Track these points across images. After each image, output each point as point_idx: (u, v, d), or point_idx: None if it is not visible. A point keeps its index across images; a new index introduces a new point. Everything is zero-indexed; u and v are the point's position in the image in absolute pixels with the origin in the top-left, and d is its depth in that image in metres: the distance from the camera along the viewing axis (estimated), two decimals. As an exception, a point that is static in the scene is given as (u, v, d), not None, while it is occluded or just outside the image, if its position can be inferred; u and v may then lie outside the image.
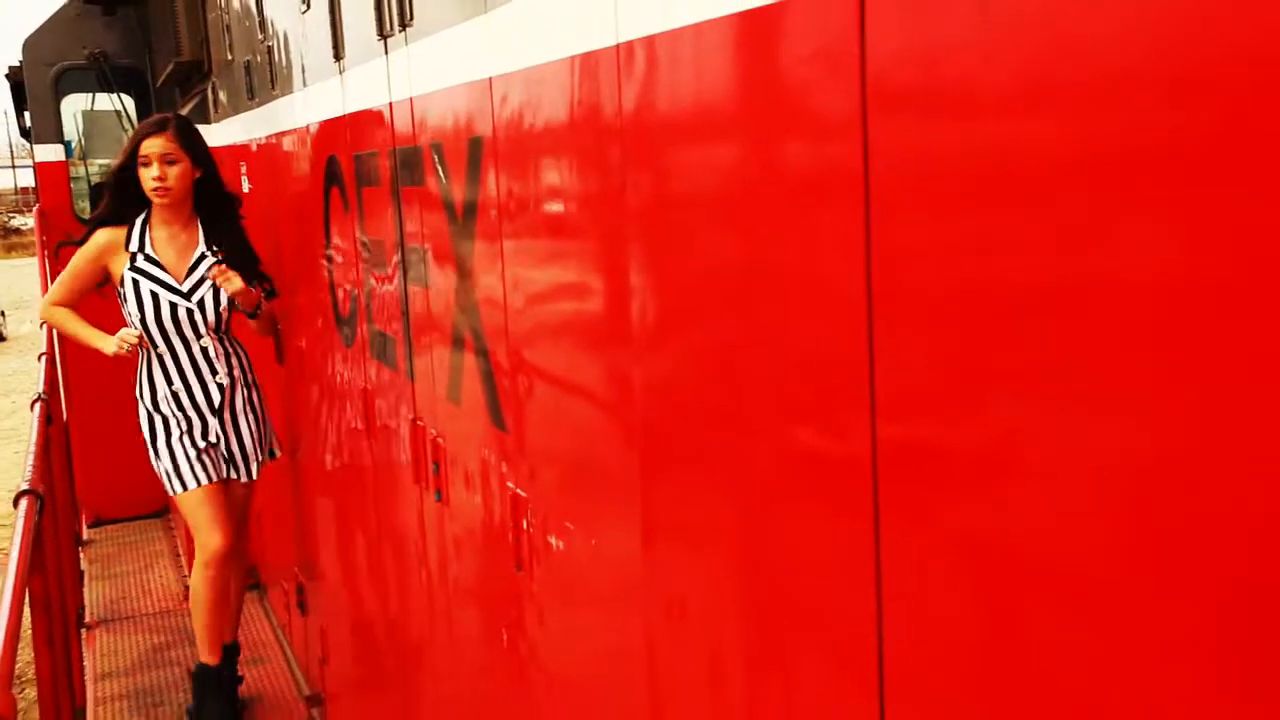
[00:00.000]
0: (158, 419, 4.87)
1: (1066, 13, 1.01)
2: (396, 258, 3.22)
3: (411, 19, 2.83)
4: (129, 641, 6.41)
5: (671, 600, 1.84)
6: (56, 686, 3.71)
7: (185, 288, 4.79)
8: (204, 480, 4.87)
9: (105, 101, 8.27)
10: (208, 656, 5.04)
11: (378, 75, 3.18)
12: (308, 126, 4.19)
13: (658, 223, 1.77)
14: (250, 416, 5.02)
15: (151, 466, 4.96)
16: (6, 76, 8.68)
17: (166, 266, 4.77)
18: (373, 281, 3.55)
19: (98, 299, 4.95)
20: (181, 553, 7.35)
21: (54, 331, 7.07)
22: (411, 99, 2.92)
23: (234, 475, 5.02)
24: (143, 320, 4.76)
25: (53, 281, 5.15)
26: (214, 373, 4.87)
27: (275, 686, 5.66)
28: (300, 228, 4.55)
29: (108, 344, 4.71)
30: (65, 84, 8.21)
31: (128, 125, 7.96)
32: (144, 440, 4.93)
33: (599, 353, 2.03)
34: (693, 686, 1.80)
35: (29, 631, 3.71)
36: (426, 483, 3.14)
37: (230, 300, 4.83)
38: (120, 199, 4.79)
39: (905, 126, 1.22)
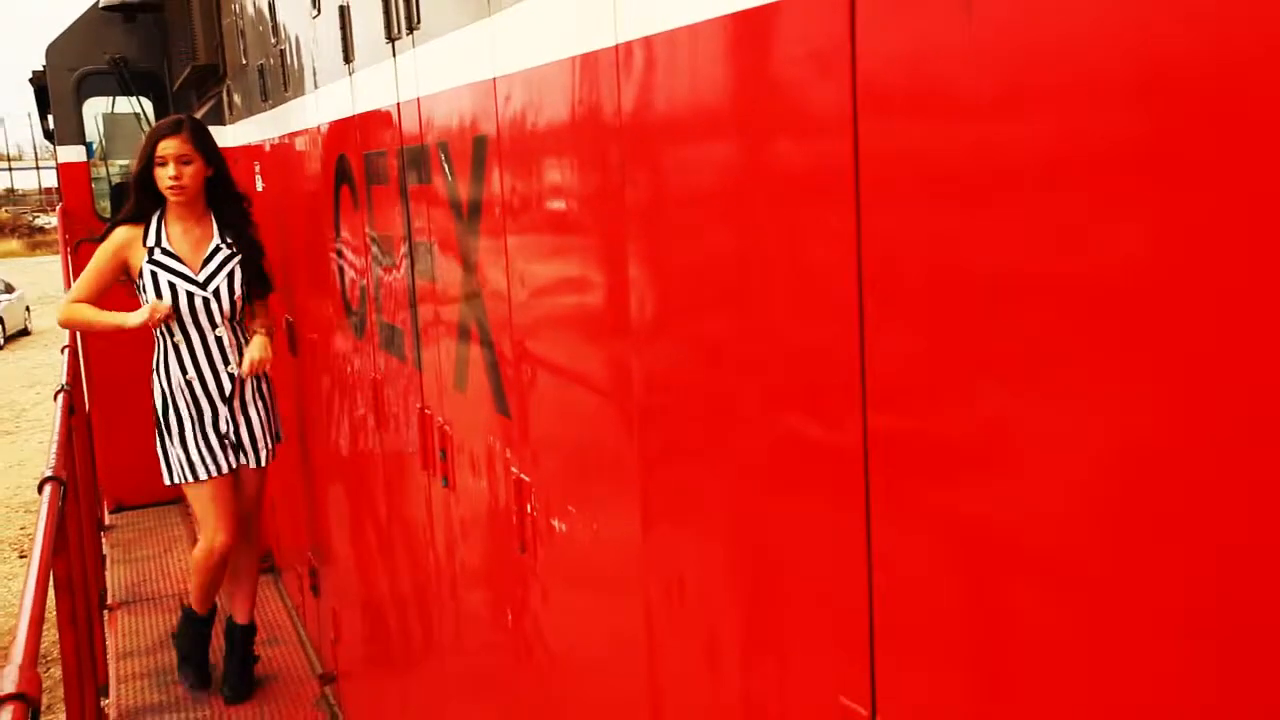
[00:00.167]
0: (171, 408, 4.91)
1: (1050, 15, 1.00)
2: (404, 252, 3.22)
3: (418, 22, 2.82)
4: (149, 622, 6.41)
5: (670, 581, 1.83)
6: (80, 665, 3.70)
7: (201, 278, 4.85)
8: (214, 473, 4.94)
9: (125, 104, 8.25)
10: (199, 607, 5.32)
11: (386, 77, 3.17)
12: (319, 127, 4.18)
13: (656, 218, 1.76)
14: (259, 405, 5.05)
15: (156, 451, 4.99)
16: (31, 81, 8.66)
17: (183, 259, 4.83)
18: (381, 275, 3.54)
19: (115, 298, 4.97)
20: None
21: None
22: (419, 99, 2.91)
23: (243, 462, 5.05)
24: None
25: (70, 282, 5.14)
26: (226, 363, 4.92)
27: (290, 666, 5.66)
28: (312, 224, 4.55)
29: (133, 319, 4.74)
30: (87, 88, 8.19)
31: (146, 127, 7.94)
32: (156, 425, 4.98)
33: (600, 344, 2.03)
34: (690, 664, 1.80)
35: (54, 613, 3.70)
36: (434, 469, 3.13)
37: (244, 290, 4.91)
38: (138, 200, 4.86)
39: (895, 125, 1.22)
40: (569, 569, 2.29)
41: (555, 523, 2.29)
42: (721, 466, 1.64)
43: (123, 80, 8.03)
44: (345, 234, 4.02)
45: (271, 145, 5.25)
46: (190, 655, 5.45)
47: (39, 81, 8.42)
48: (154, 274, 4.78)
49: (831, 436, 1.37)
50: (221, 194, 4.93)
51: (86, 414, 7.06)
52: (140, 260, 4.81)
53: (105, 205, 8.29)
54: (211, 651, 5.46)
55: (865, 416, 1.29)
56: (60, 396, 5.21)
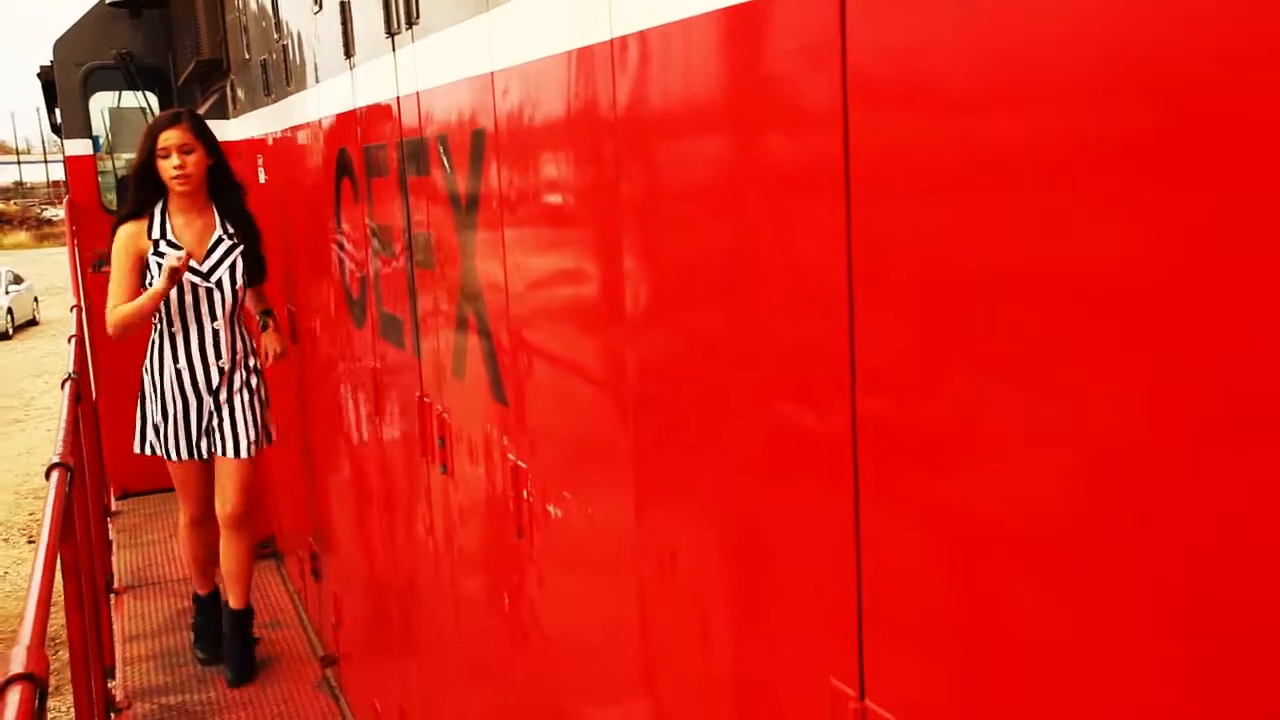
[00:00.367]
0: (157, 393, 4.95)
1: (1039, 10, 1.00)
2: (404, 244, 3.21)
3: (418, 17, 2.80)
4: (154, 606, 6.41)
5: (663, 566, 1.83)
6: (87, 647, 3.70)
7: (205, 268, 4.85)
8: (187, 456, 5.03)
9: (131, 99, 8.23)
10: (199, 588, 5.49)
11: (386, 71, 3.16)
12: (320, 120, 4.17)
13: (650, 211, 1.75)
14: (244, 397, 5.03)
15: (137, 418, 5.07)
16: (39, 75, 8.63)
17: (186, 249, 4.79)
18: (381, 266, 3.53)
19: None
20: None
21: (84, 317, 7.05)
22: (418, 93, 2.90)
23: (223, 452, 5.04)
24: (165, 300, 4.77)
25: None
26: (218, 357, 4.93)
27: (292, 648, 5.66)
28: (314, 216, 4.54)
29: (159, 284, 4.66)
30: (93, 82, 8.16)
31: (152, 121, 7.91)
32: (139, 402, 5.03)
33: (595, 334, 2.02)
34: (683, 647, 1.79)
35: (63, 597, 3.70)
36: (432, 456, 3.13)
37: (245, 281, 4.93)
38: (142, 193, 4.83)
39: (884, 120, 1.21)
40: (564, 554, 2.29)
41: (551, 508, 2.28)
42: (714, 454, 1.63)
43: (129, 75, 8.00)
44: (346, 225, 4.01)
45: (274, 139, 5.23)
46: (201, 632, 5.53)
47: (47, 76, 8.39)
48: (159, 265, 4.77)
49: (821, 425, 1.36)
50: (222, 184, 4.93)
51: (93, 402, 7.04)
52: (146, 252, 4.81)
53: (111, 198, 8.26)
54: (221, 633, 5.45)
55: (854, 406, 1.29)
56: (67, 385, 5.20)
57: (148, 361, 4.96)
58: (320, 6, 3.88)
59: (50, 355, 20.98)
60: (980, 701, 1.16)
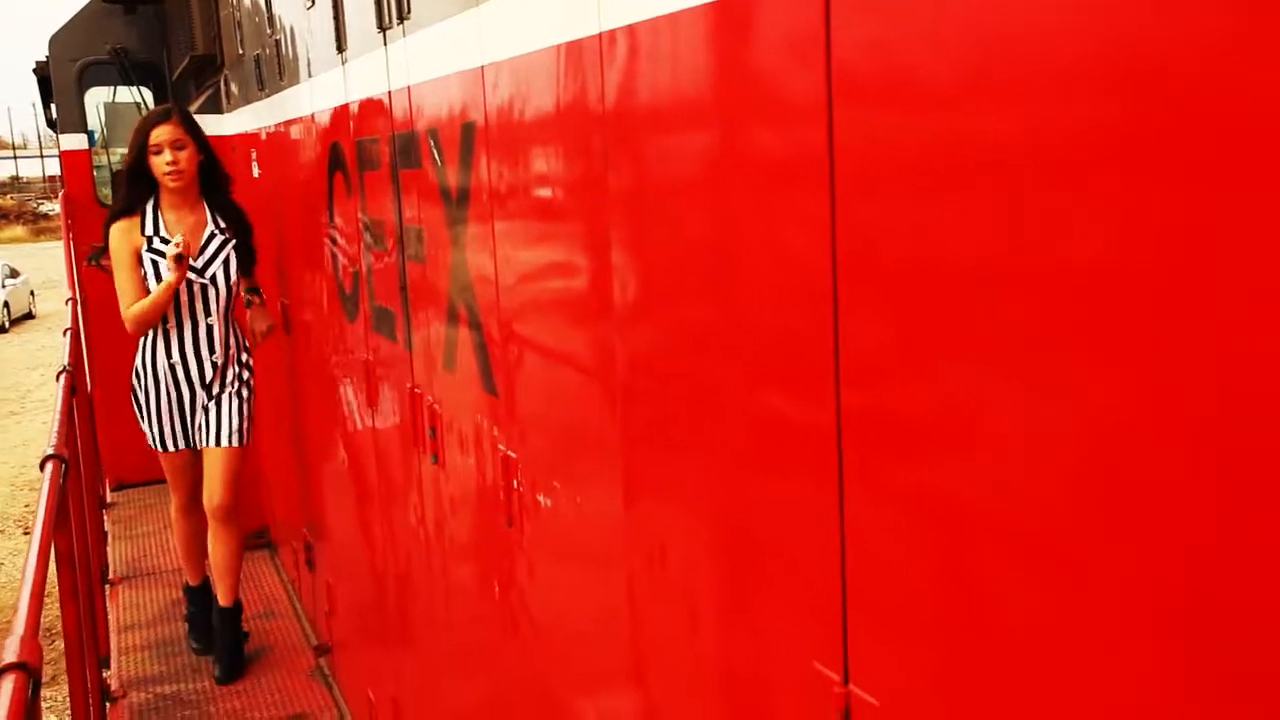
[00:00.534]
0: (150, 386, 4.94)
1: (1020, 8, 0.99)
2: (395, 237, 3.20)
3: (409, 12, 2.79)
4: (149, 596, 6.39)
5: (651, 554, 1.83)
6: (82, 637, 3.68)
7: (199, 264, 4.81)
8: (182, 446, 5.06)
9: (126, 94, 8.19)
10: (191, 578, 5.50)
11: (377, 66, 3.14)
12: (313, 115, 4.15)
13: (638, 204, 1.75)
14: (236, 389, 5.02)
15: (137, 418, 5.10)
16: (34, 71, 8.59)
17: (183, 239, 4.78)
18: (373, 260, 3.52)
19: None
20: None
21: (79, 310, 7.02)
22: (409, 88, 2.89)
23: (209, 442, 5.02)
24: None
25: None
26: (212, 351, 4.92)
27: (286, 638, 5.65)
28: (307, 209, 4.52)
29: (169, 277, 4.69)
30: (88, 78, 8.12)
31: (147, 116, 7.87)
32: (132, 397, 5.02)
33: (584, 325, 2.02)
34: (671, 633, 1.79)
35: (57, 588, 3.68)
36: (423, 447, 3.12)
37: (239, 276, 4.91)
38: (133, 191, 4.81)
39: (868, 114, 1.21)
40: (554, 543, 2.28)
41: (541, 498, 2.28)
42: (701, 444, 1.63)
43: (123, 70, 7.96)
44: (339, 219, 3.99)
45: (268, 133, 5.21)
46: (194, 621, 5.53)
47: (42, 71, 8.34)
48: (154, 262, 4.75)
49: (806, 416, 1.36)
50: (212, 178, 4.90)
51: (89, 395, 7.01)
52: (141, 247, 4.78)
53: (107, 192, 8.22)
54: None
55: (839, 397, 1.29)
56: (62, 377, 5.17)
57: (140, 356, 4.93)
58: (313, 2, 3.86)
59: (46, 348, 20.89)
60: (961, 685, 1.16)
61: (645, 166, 1.71)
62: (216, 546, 5.18)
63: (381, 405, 3.66)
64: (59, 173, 8.83)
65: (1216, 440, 0.86)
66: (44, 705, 6.68)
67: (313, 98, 4.11)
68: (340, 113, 3.72)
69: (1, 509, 11.58)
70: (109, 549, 7.05)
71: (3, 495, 12.02)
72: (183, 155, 4.73)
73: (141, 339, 4.92)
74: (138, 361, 4.95)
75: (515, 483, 2.40)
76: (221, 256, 4.85)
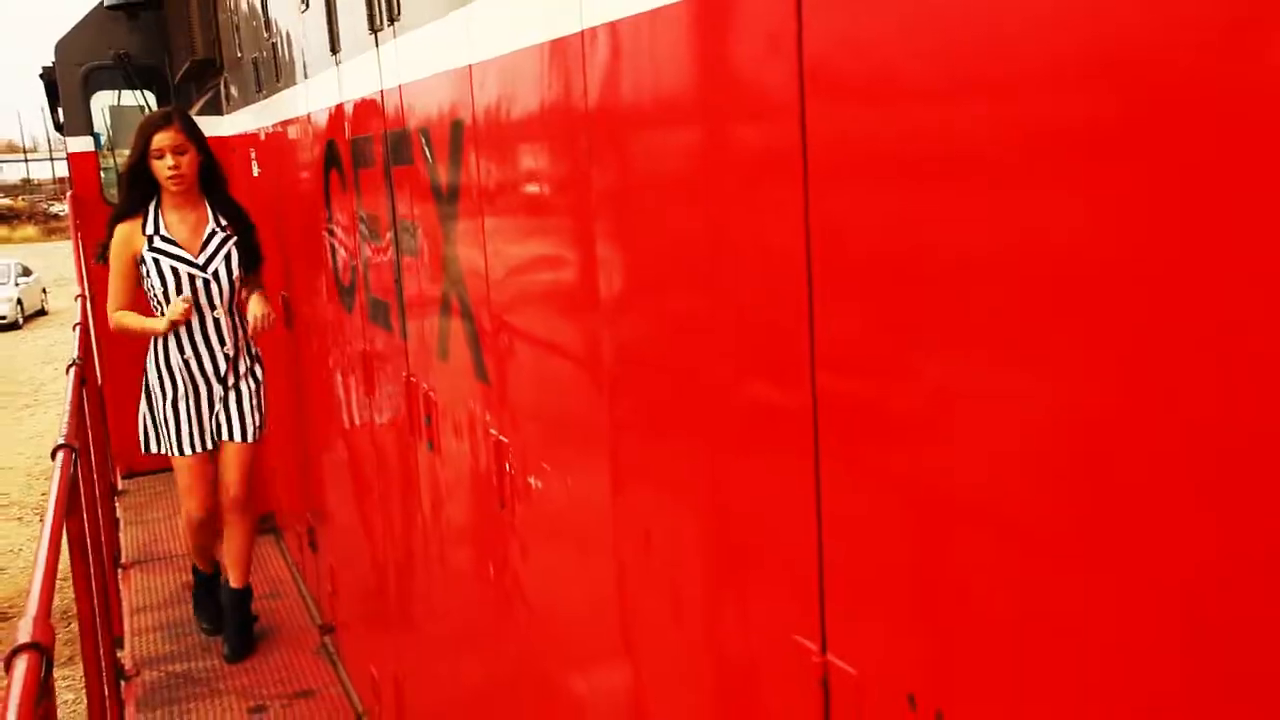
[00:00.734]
0: (167, 386, 4.85)
1: (989, 3, 0.98)
2: (390, 232, 3.18)
3: (399, 13, 2.77)
4: (160, 580, 6.38)
5: (638, 533, 1.82)
6: (96, 619, 3.67)
7: (201, 261, 4.78)
8: (198, 449, 4.92)
9: (130, 98, 8.14)
10: (200, 566, 5.40)
11: (370, 66, 3.12)
12: (309, 115, 4.13)
13: (620, 199, 1.74)
14: (249, 384, 4.97)
15: (139, 416, 4.96)
16: (41, 76, 8.53)
17: (181, 244, 4.76)
18: (369, 254, 3.50)
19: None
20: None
21: (88, 306, 6.99)
22: (400, 87, 2.87)
23: (230, 438, 4.97)
24: (164, 294, 4.75)
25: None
26: (222, 343, 4.86)
27: (292, 618, 5.64)
28: (305, 206, 4.50)
29: (160, 324, 4.70)
30: (93, 82, 8.08)
31: (150, 118, 7.82)
32: (144, 397, 4.92)
33: (571, 316, 2.01)
34: (657, 609, 1.79)
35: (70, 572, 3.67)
36: (419, 433, 3.11)
37: (241, 270, 4.86)
38: (135, 193, 4.76)
39: (840, 109, 1.20)
40: (545, 524, 2.27)
41: (532, 480, 2.27)
42: (683, 427, 1.63)
43: (127, 74, 7.92)
44: (335, 215, 3.97)
45: (266, 133, 5.18)
46: (202, 605, 5.48)
47: (49, 77, 8.30)
48: (155, 260, 4.72)
49: (784, 401, 1.36)
50: (212, 178, 4.85)
51: (99, 386, 6.98)
52: (142, 249, 4.74)
53: (113, 193, 8.17)
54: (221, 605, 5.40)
55: (814, 382, 1.28)
56: (72, 370, 5.15)
57: (151, 356, 4.86)
58: (307, 5, 3.83)
59: (59, 344, 20.80)
60: (934, 653, 1.15)
61: (627, 161, 1.70)
62: (232, 535, 5.15)
63: (379, 394, 3.65)
64: (67, 174, 8.78)
65: (1187, 423, 0.85)
66: (63, 684, 6.68)
67: (308, 98, 4.09)
68: (335, 112, 3.69)
69: (19, 497, 11.54)
70: (121, 534, 7.03)
71: (20, 484, 11.99)
72: (184, 160, 4.69)
73: (150, 340, 4.86)
74: (150, 361, 4.87)
75: (507, 466, 2.39)
76: (222, 253, 4.81)
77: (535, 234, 2.14)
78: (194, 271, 4.76)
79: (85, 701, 3.81)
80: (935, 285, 1.08)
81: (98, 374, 7.08)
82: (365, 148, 3.34)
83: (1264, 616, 0.80)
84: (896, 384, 1.16)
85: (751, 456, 1.45)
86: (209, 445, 4.94)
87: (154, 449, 4.98)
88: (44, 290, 28.10)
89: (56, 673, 2.35)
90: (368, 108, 3.24)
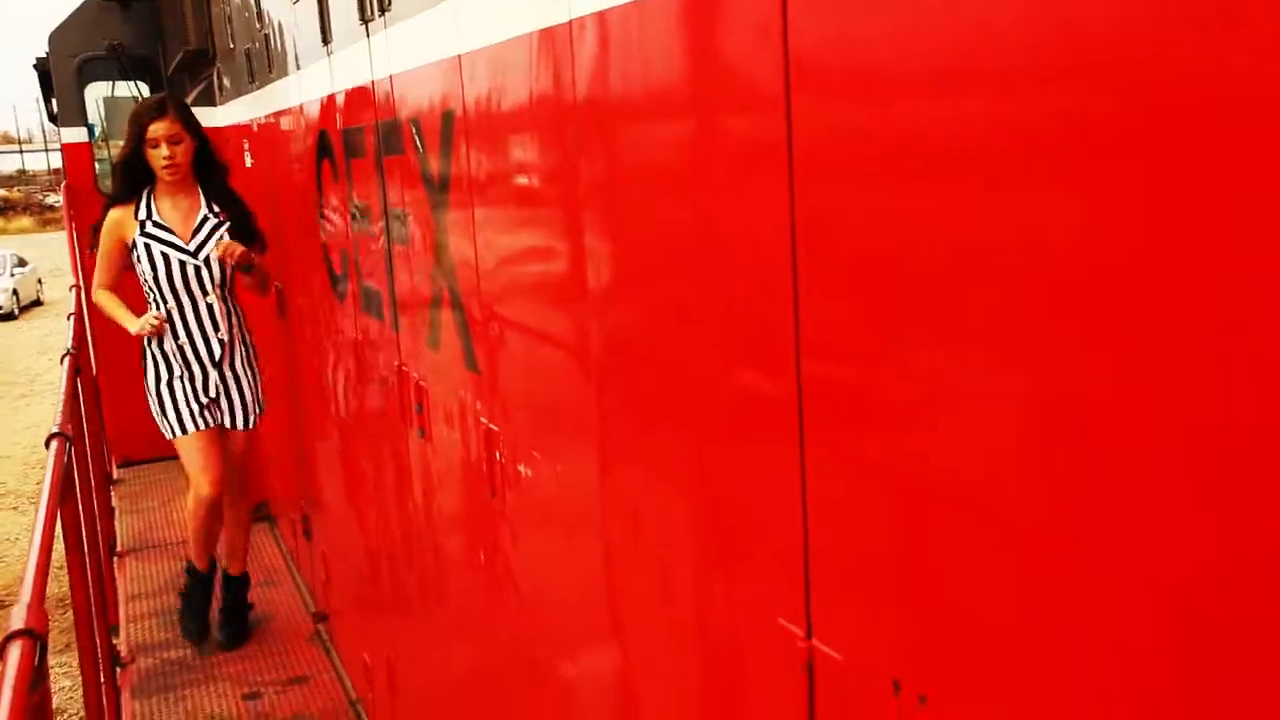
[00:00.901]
0: (163, 370, 4.82)
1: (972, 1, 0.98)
2: (381, 222, 3.17)
3: (390, 3, 2.76)
4: (155, 568, 6.37)
5: (625, 519, 1.82)
6: (91, 607, 3.66)
7: (192, 247, 4.75)
8: (201, 426, 4.83)
9: (124, 88, 8.10)
10: (199, 562, 5.16)
11: (361, 57, 3.11)
12: (301, 105, 4.11)
13: (608, 189, 1.73)
14: (247, 371, 4.95)
15: (151, 411, 4.90)
16: (35, 66, 8.47)
17: (173, 229, 4.73)
18: (361, 244, 3.49)
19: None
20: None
21: (81, 295, 6.96)
22: (391, 77, 2.85)
23: (230, 424, 4.94)
24: (155, 279, 4.72)
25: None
26: (216, 329, 4.82)
27: (286, 605, 5.64)
28: (297, 196, 4.48)
29: (132, 325, 4.73)
30: (87, 73, 8.03)
31: (144, 109, 7.78)
32: (146, 387, 4.88)
33: (560, 305, 2.00)
34: (645, 593, 1.79)
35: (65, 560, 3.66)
36: (411, 421, 3.10)
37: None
38: (128, 181, 4.74)
39: (824, 102, 1.19)
40: (535, 510, 2.27)
41: (522, 468, 2.27)
42: (670, 415, 1.62)
43: (121, 65, 7.87)
44: (328, 205, 3.96)
45: (259, 124, 5.16)
46: (193, 609, 5.26)
47: (43, 67, 8.24)
48: (147, 246, 4.69)
49: (769, 389, 1.36)
50: (206, 165, 4.80)
51: (94, 375, 6.95)
52: (134, 234, 4.71)
53: (108, 184, 8.13)
54: (211, 609, 5.31)
55: (799, 371, 1.28)
56: (67, 359, 5.13)
57: (148, 345, 4.82)
58: (299, -4, 3.81)
59: (54, 334, 20.71)
60: (916, 637, 1.16)
61: (614, 152, 1.70)
62: (229, 522, 5.14)
63: (371, 382, 3.64)
64: (62, 165, 8.73)
65: (1164, 410, 0.85)
66: (60, 670, 6.65)
67: (300, 89, 4.07)
68: (327, 103, 3.67)
69: (15, 486, 11.51)
70: (116, 523, 7.01)
71: (17, 474, 11.95)
72: (179, 150, 4.65)
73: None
74: (145, 349, 4.84)
75: (497, 454, 2.39)
76: (214, 239, 4.76)
77: (525, 224, 2.14)
78: (185, 258, 4.72)
79: (82, 688, 3.80)
80: (918, 276, 1.08)
81: (92, 363, 7.05)
82: (357, 138, 3.33)
83: (1250, 610, 0.80)
84: (880, 373, 1.16)
85: (737, 445, 1.45)
86: (210, 423, 4.87)
87: (168, 434, 4.92)
88: (39, 281, 27.99)
89: (53, 659, 2.35)
90: (359, 98, 3.23)
